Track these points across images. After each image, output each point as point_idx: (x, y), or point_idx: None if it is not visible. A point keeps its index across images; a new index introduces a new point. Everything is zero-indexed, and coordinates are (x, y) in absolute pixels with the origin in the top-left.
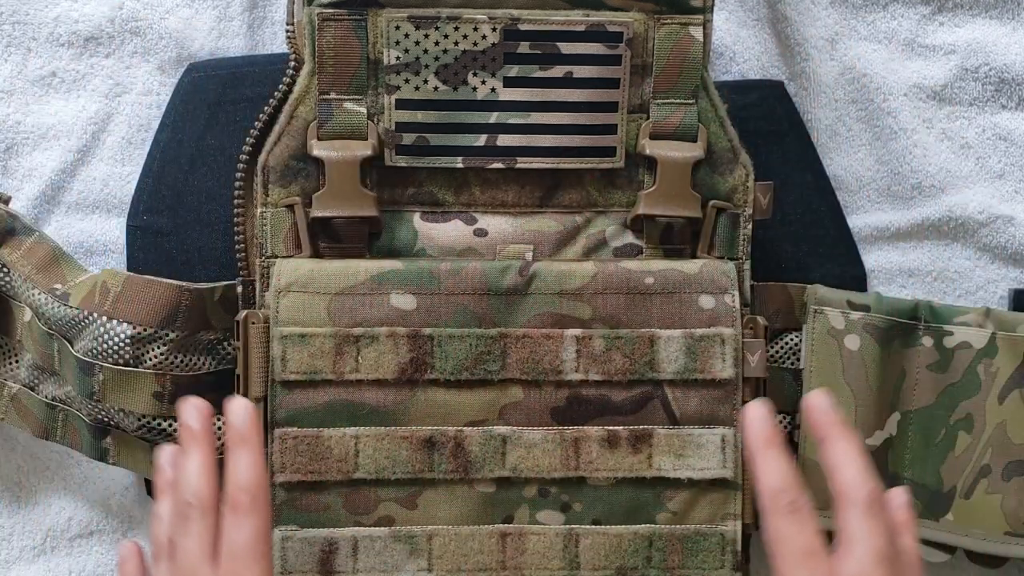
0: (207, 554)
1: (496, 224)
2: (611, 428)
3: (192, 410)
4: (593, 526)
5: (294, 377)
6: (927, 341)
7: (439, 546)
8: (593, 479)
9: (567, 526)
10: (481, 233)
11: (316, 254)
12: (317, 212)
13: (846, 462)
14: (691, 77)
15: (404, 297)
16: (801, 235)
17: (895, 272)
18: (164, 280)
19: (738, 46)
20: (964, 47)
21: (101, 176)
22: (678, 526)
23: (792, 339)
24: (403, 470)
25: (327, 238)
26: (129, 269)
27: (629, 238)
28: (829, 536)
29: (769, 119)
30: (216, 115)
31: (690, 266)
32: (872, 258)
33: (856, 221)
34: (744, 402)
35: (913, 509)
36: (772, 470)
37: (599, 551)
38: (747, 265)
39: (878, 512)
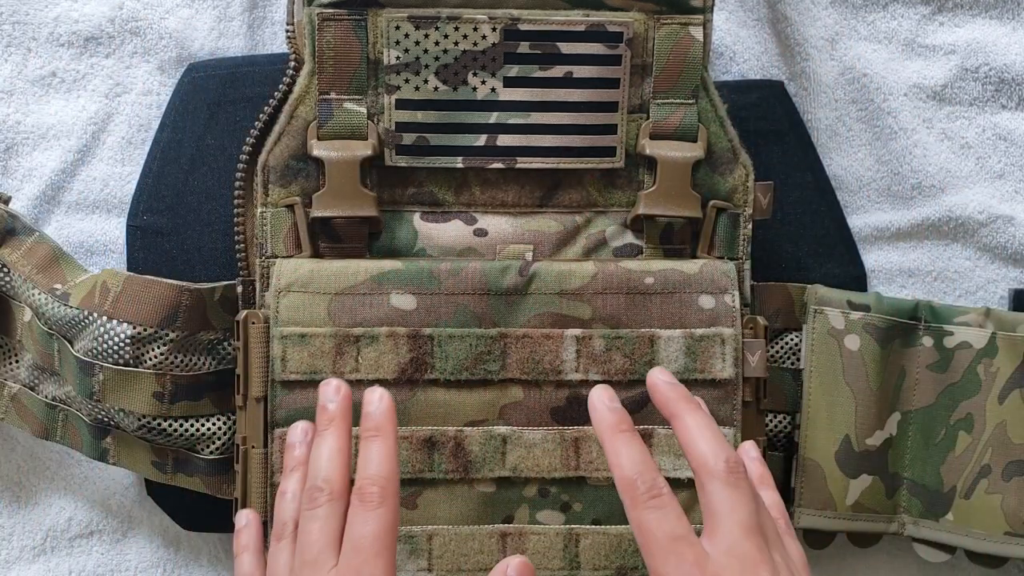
0: (331, 542)
1: (496, 224)
2: None
3: (332, 391)
4: (593, 526)
5: (294, 377)
6: (927, 341)
7: (439, 546)
8: (593, 479)
9: (567, 526)
10: (481, 233)
11: (316, 254)
12: (317, 212)
13: (698, 436)
14: (691, 77)
15: (404, 297)
16: (801, 235)
17: (895, 272)
18: (164, 280)
19: (738, 46)
20: (964, 47)
21: (101, 176)
22: None
23: (792, 339)
24: (403, 470)
25: (327, 238)
26: (129, 269)
27: (629, 238)
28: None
29: (769, 119)
30: (216, 115)
31: (690, 266)
32: (872, 258)
33: (856, 221)
34: (744, 402)
35: (764, 465)
36: (624, 456)
37: (599, 551)
38: (747, 265)
39: (739, 481)
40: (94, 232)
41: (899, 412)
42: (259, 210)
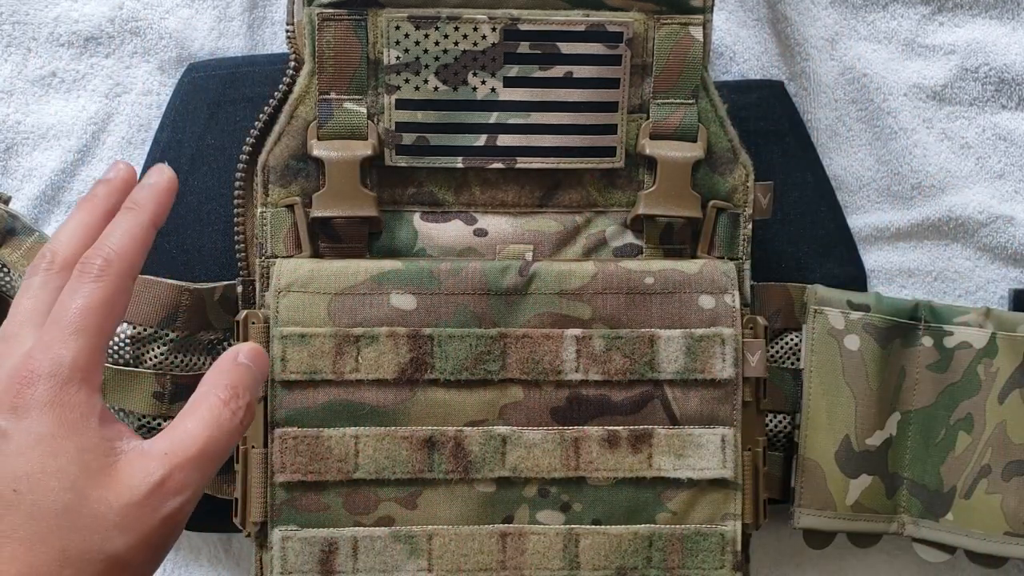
0: (35, 316)
1: (496, 224)
2: (611, 428)
3: (115, 168)
4: (593, 526)
5: (294, 377)
6: (927, 341)
7: (439, 546)
8: (593, 479)
9: (567, 526)
10: (481, 233)
11: (316, 254)
12: (317, 212)
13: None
14: (691, 77)
15: (404, 297)
16: (801, 235)
17: (895, 272)
18: (164, 280)
19: (738, 46)
20: (964, 47)
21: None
22: (678, 526)
23: (792, 339)
24: (403, 470)
25: (327, 238)
26: None
27: (629, 238)
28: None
29: (769, 119)
30: (216, 115)
31: (690, 266)
32: (872, 258)
33: (856, 221)
34: (744, 402)
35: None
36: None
37: (599, 551)
38: (747, 265)
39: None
40: None
41: (899, 412)
42: (259, 210)
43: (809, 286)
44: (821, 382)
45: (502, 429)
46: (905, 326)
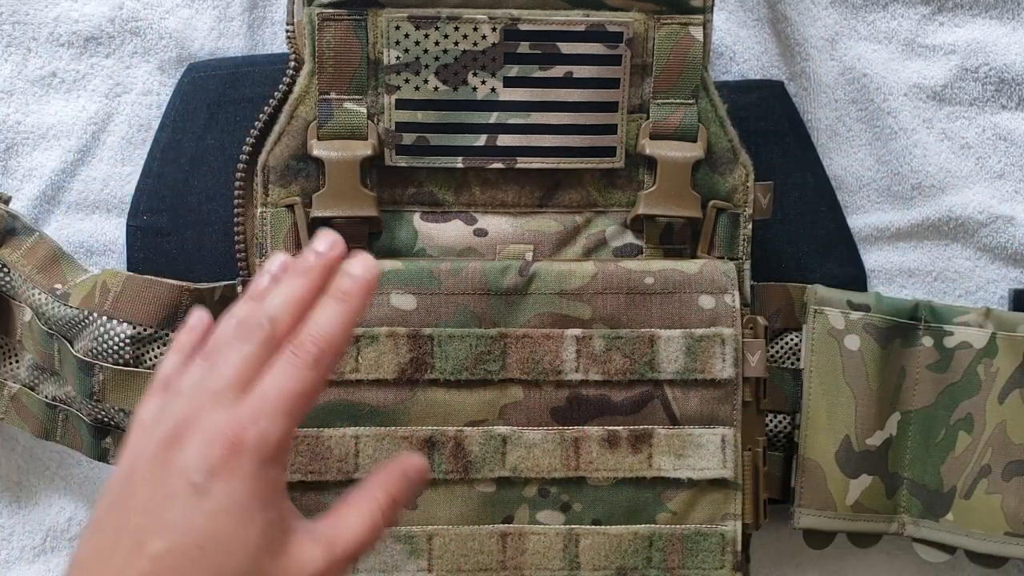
0: (244, 380)
1: (496, 224)
2: (611, 428)
3: (327, 239)
4: (593, 526)
5: None
6: (927, 341)
7: (439, 546)
8: (593, 479)
9: (567, 526)
10: (481, 233)
11: None
12: (317, 212)
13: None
14: (691, 77)
15: (404, 297)
16: (801, 235)
17: (895, 272)
18: (164, 280)
19: (738, 46)
20: (964, 47)
21: (101, 176)
22: (678, 526)
23: (792, 339)
24: None
25: None
26: (129, 269)
27: (629, 238)
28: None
29: (769, 119)
30: (216, 115)
31: (690, 266)
32: (872, 258)
33: (856, 221)
34: (744, 402)
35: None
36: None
37: (599, 551)
38: (747, 265)
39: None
40: (94, 232)
41: (899, 412)
42: (259, 210)
43: (809, 286)
44: (821, 382)
45: (502, 429)
46: (905, 326)
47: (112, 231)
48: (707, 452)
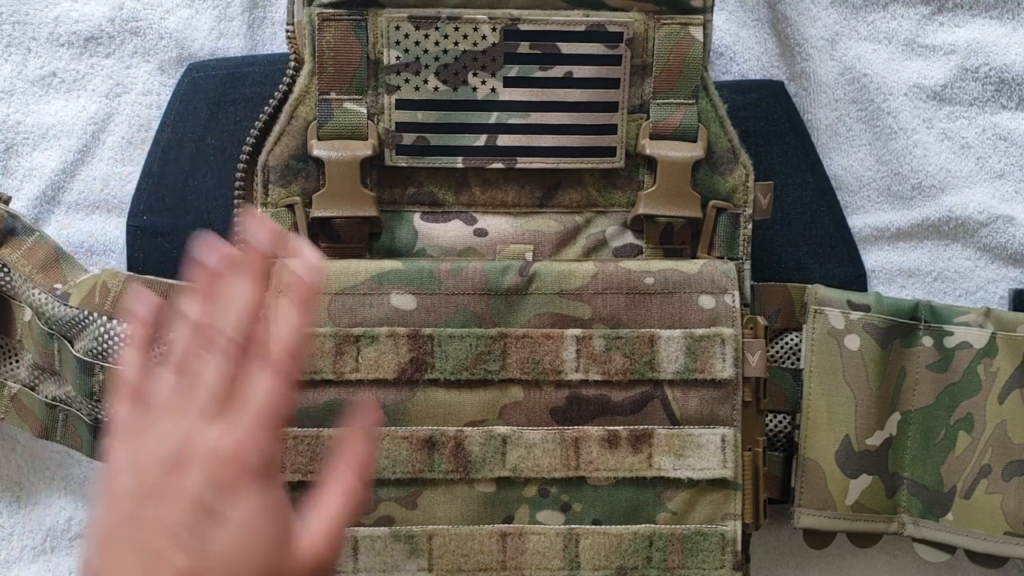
0: (223, 395)
1: (496, 224)
2: (611, 428)
3: (259, 227)
4: (593, 526)
5: None
6: (927, 341)
7: (439, 546)
8: (593, 479)
9: (567, 526)
10: (481, 233)
11: None
12: (317, 212)
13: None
14: (691, 77)
15: (404, 297)
16: (801, 235)
17: (895, 272)
18: (164, 280)
19: (738, 46)
20: (964, 47)
21: (101, 176)
22: (678, 526)
23: (792, 339)
24: (403, 470)
25: (327, 238)
26: (129, 269)
27: (629, 238)
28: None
29: (769, 119)
30: (216, 115)
31: (690, 266)
32: (872, 258)
33: (856, 221)
34: (744, 402)
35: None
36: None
37: (599, 551)
38: (747, 265)
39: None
40: (94, 232)
41: (899, 412)
42: (259, 210)
43: (809, 286)
44: (821, 382)
45: (502, 429)
46: (905, 326)
47: (112, 231)
48: (707, 452)
